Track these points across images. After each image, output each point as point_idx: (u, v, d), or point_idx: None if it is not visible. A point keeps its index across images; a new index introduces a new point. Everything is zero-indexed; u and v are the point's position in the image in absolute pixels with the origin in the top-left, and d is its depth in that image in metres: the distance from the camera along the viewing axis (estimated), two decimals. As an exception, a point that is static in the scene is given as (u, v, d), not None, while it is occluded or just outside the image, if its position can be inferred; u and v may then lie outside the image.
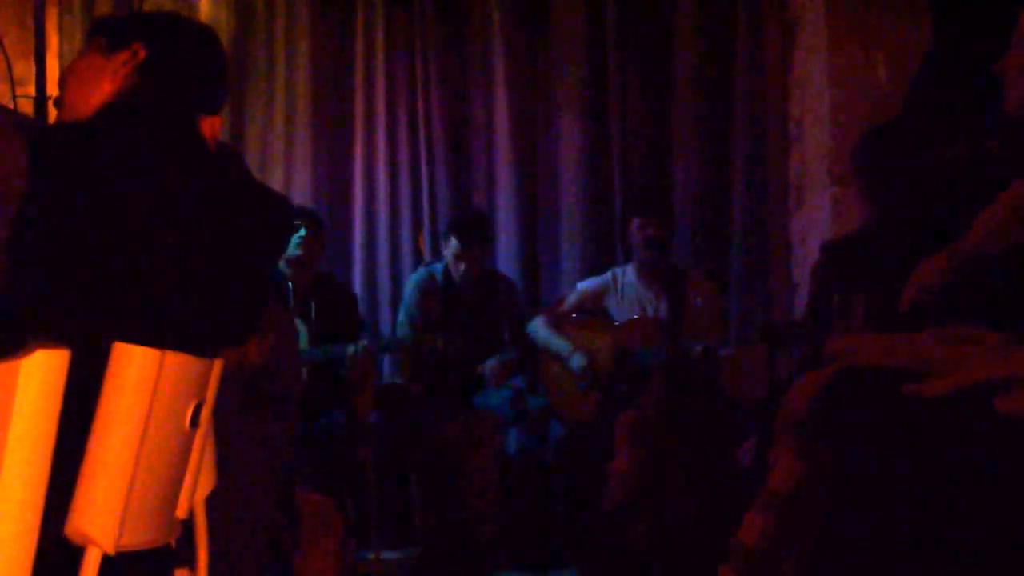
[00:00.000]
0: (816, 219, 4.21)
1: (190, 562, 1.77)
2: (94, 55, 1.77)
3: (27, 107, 2.58)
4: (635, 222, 4.22)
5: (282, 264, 4.04)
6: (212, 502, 1.80)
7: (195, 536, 1.77)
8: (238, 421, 2.28)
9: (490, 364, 4.30)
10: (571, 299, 4.33)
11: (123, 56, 1.74)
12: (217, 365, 1.70)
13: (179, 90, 1.76)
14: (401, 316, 4.45)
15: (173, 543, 1.70)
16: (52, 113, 1.93)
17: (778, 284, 4.44)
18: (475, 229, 4.35)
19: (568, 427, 4.08)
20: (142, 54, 1.74)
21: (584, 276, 4.53)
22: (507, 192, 4.86)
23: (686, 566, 3.46)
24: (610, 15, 4.73)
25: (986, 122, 2.44)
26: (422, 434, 4.11)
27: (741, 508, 1.99)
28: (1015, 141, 2.11)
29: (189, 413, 1.62)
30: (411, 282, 4.47)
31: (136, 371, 1.49)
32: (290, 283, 4.07)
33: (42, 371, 1.44)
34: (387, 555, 4.07)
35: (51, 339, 1.45)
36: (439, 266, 4.45)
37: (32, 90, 2.74)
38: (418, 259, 4.89)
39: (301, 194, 4.86)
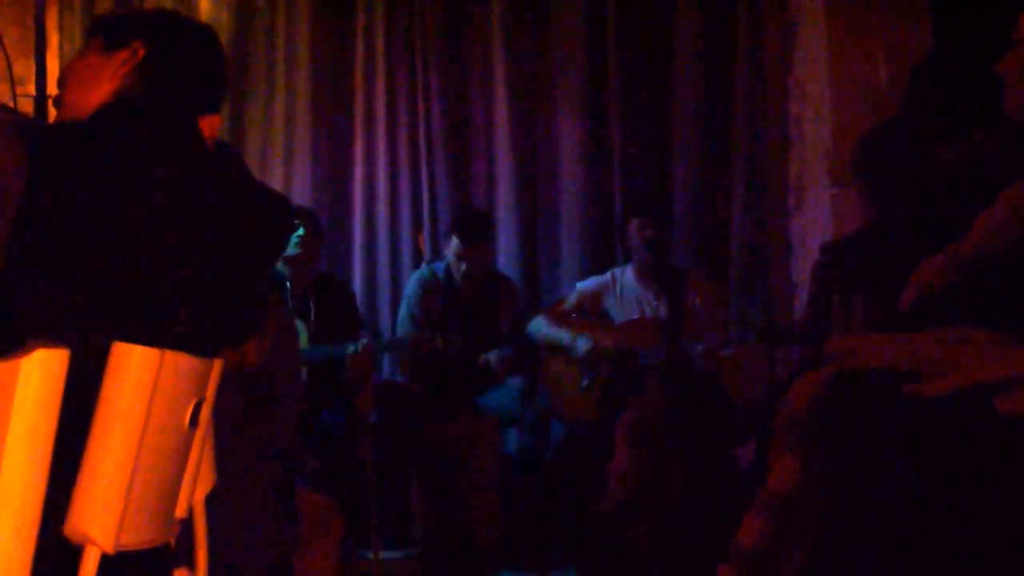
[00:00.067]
0: (816, 219, 4.21)
1: (189, 562, 1.77)
2: (93, 54, 1.77)
3: (27, 106, 2.58)
4: (634, 223, 4.22)
5: (280, 264, 4.04)
6: (211, 502, 1.80)
7: (194, 536, 1.77)
8: (238, 421, 2.29)
9: (492, 356, 4.30)
10: (570, 299, 4.33)
11: (122, 55, 1.74)
12: (217, 365, 1.69)
13: (179, 89, 1.76)
14: (402, 315, 4.44)
15: (172, 543, 1.70)
16: (52, 112, 1.93)
17: (778, 284, 4.44)
18: (476, 228, 4.35)
19: (568, 427, 4.09)
20: (141, 53, 1.74)
21: (584, 276, 4.53)
22: (507, 192, 4.86)
23: (686, 566, 3.46)
24: (610, 15, 4.73)
25: (985, 122, 2.44)
26: (422, 434, 4.11)
27: (741, 509, 1.99)
28: (1015, 142, 2.11)
29: (188, 412, 1.62)
30: (412, 281, 4.47)
31: (135, 371, 1.49)
32: (288, 283, 4.06)
33: (42, 371, 1.44)
34: (387, 555, 4.07)
35: (51, 339, 1.45)
36: (440, 265, 4.45)
37: (32, 89, 2.74)
38: (418, 259, 4.89)
39: (301, 194, 4.86)
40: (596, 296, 4.28)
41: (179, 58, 1.78)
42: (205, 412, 1.68)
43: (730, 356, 3.95)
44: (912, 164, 2.75)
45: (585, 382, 4.10)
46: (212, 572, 1.78)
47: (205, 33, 1.85)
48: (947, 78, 3.08)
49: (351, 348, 3.95)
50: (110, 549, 1.47)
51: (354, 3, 4.99)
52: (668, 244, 4.30)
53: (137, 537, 1.54)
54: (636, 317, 4.19)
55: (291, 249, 4.02)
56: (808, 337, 3.15)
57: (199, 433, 1.67)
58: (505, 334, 4.39)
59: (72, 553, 1.46)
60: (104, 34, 1.79)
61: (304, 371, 3.89)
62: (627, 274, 4.30)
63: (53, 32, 4.64)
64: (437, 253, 4.76)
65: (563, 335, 4.16)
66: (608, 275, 4.34)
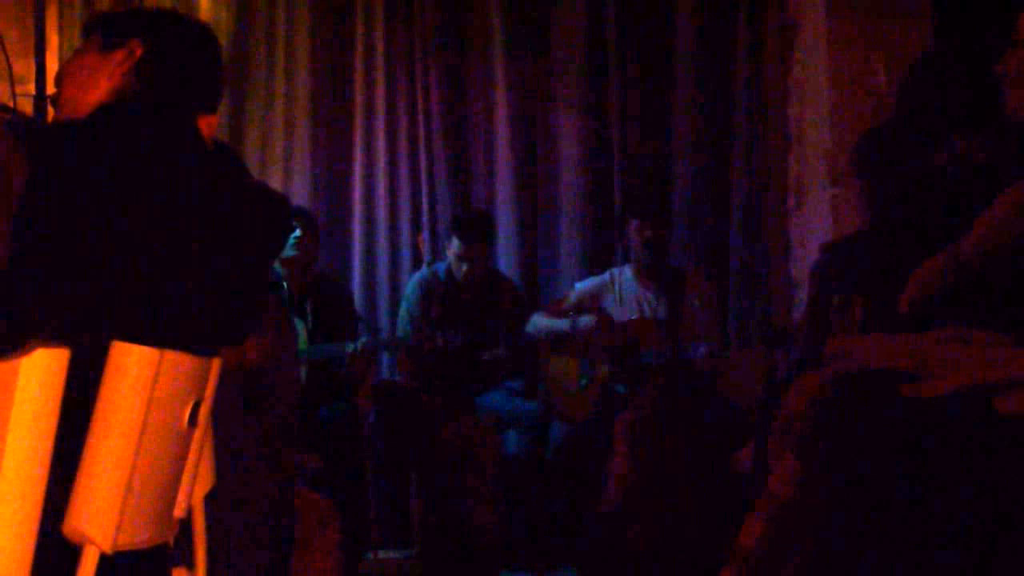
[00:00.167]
0: (816, 219, 4.21)
1: (188, 561, 1.77)
2: (91, 53, 1.77)
3: (27, 106, 2.57)
4: (633, 223, 4.22)
5: (277, 265, 4.03)
6: (210, 501, 1.80)
7: (193, 535, 1.77)
8: (237, 420, 2.28)
9: (487, 355, 4.30)
10: (570, 300, 4.33)
11: (120, 54, 1.74)
12: (215, 364, 1.69)
13: (176, 89, 1.76)
14: (402, 315, 4.44)
15: (171, 542, 1.70)
16: (51, 112, 1.93)
17: (778, 284, 4.44)
18: (477, 228, 4.35)
19: (568, 427, 4.08)
20: (139, 52, 1.74)
21: (584, 276, 4.53)
22: (507, 192, 4.86)
23: (685, 566, 3.46)
24: (610, 15, 4.73)
25: (985, 123, 2.44)
26: (422, 434, 4.11)
27: (741, 510, 1.99)
28: (1014, 142, 2.11)
29: (187, 412, 1.61)
30: (413, 281, 4.47)
31: (134, 370, 1.49)
32: (285, 283, 4.06)
33: (42, 370, 1.44)
34: (387, 555, 4.07)
35: (51, 339, 1.45)
36: (441, 265, 4.45)
37: (32, 89, 2.74)
38: (418, 259, 4.89)
39: (301, 194, 4.86)
40: (595, 296, 4.28)
41: (177, 57, 1.77)
42: (204, 412, 1.68)
43: (728, 358, 3.95)
44: (912, 165, 2.75)
45: (583, 381, 4.10)
46: (211, 572, 1.78)
47: (203, 32, 1.85)
48: (946, 78, 3.08)
49: (350, 347, 3.95)
50: (108, 549, 1.47)
51: (354, 3, 4.98)
52: (668, 244, 4.30)
53: (136, 537, 1.54)
54: (635, 317, 4.19)
55: (288, 251, 4.00)
56: (807, 338, 3.15)
57: (198, 433, 1.67)
58: (506, 335, 4.38)
59: (71, 553, 1.46)
60: (101, 33, 1.78)
61: (303, 370, 3.89)
62: (626, 274, 4.30)
63: (53, 32, 4.64)
64: (436, 254, 4.75)
65: (561, 323, 4.16)
66: (607, 275, 4.34)
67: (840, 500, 1.77)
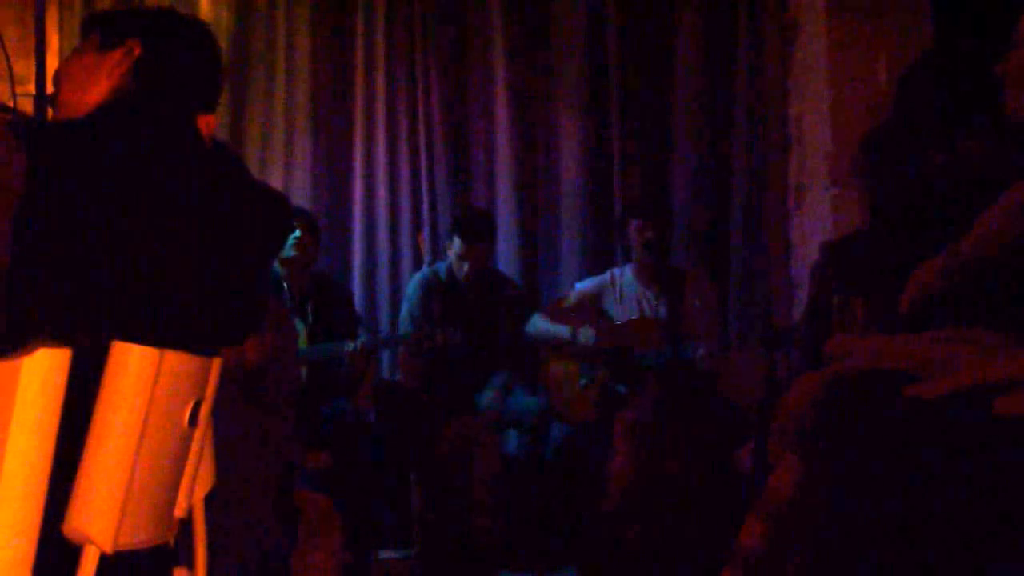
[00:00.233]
0: (816, 219, 4.21)
1: (188, 561, 1.77)
2: (89, 52, 1.77)
3: (27, 106, 2.58)
4: (633, 224, 4.22)
5: (277, 265, 4.03)
6: (211, 501, 1.80)
7: (193, 535, 1.77)
8: (237, 420, 2.28)
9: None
10: (570, 300, 4.33)
11: (118, 54, 1.74)
12: (216, 364, 1.69)
13: (175, 88, 1.76)
14: (404, 314, 4.44)
15: (171, 542, 1.70)
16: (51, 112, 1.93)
17: (778, 284, 4.44)
18: (478, 228, 4.35)
19: (567, 427, 4.08)
20: (137, 52, 1.74)
21: (584, 276, 4.53)
22: (507, 192, 4.86)
23: (685, 566, 3.46)
24: (610, 15, 4.73)
25: (985, 123, 2.44)
26: (422, 434, 4.11)
27: (741, 510, 1.99)
28: (1014, 142, 2.10)
29: (188, 412, 1.62)
30: (414, 281, 4.47)
31: (135, 370, 1.49)
32: (285, 284, 4.06)
33: (42, 370, 1.44)
34: (387, 555, 4.07)
35: (51, 338, 1.45)
36: (442, 265, 4.45)
37: (32, 89, 2.74)
38: (418, 259, 4.89)
39: (301, 194, 4.86)
40: (595, 296, 4.28)
41: (175, 57, 1.77)
42: (204, 411, 1.68)
43: (727, 358, 3.95)
44: (912, 165, 2.76)
45: (583, 381, 4.10)
46: (211, 572, 1.78)
47: (202, 31, 1.84)
48: (945, 79, 3.08)
49: (350, 346, 3.95)
50: (109, 549, 1.47)
51: (354, 3, 4.98)
52: (668, 245, 4.30)
53: (136, 537, 1.54)
54: (635, 317, 4.19)
55: (288, 251, 4.00)
56: (806, 338, 3.15)
57: (198, 433, 1.67)
58: (506, 335, 4.38)
59: (71, 552, 1.46)
60: (100, 32, 1.78)
61: (304, 370, 3.89)
62: (626, 274, 4.30)
63: (53, 32, 4.64)
64: (437, 254, 4.75)
65: (562, 329, 4.16)
66: (607, 275, 4.34)
67: (840, 500, 1.77)
